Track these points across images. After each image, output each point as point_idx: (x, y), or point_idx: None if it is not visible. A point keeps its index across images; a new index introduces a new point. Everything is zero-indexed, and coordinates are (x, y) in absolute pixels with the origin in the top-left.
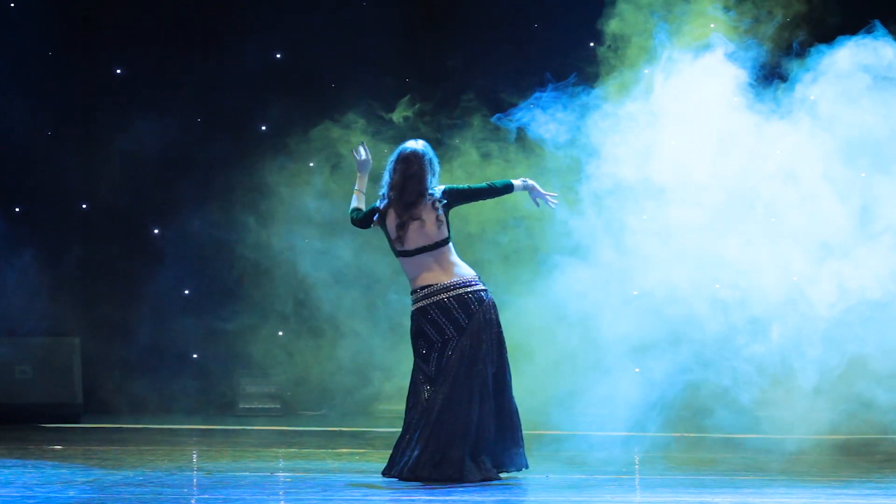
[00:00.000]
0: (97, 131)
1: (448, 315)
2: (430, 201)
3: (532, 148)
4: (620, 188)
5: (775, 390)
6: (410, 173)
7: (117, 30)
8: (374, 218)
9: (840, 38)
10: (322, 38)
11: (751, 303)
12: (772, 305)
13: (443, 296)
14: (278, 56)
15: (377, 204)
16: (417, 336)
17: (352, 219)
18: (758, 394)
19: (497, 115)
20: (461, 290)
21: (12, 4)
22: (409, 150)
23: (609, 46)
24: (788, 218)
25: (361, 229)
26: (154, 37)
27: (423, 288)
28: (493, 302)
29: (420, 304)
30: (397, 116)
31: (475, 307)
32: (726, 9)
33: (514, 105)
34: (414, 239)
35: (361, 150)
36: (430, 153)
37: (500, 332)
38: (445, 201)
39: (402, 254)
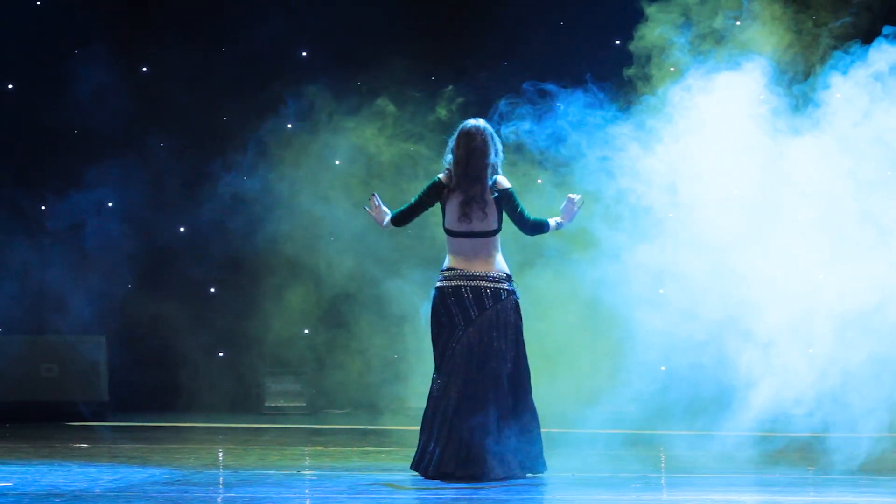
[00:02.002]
0: (121, 129)
1: (461, 303)
2: (492, 183)
3: (551, 157)
4: (644, 194)
5: (800, 388)
6: (473, 146)
7: (142, 28)
8: (438, 192)
9: (875, 41)
10: (346, 31)
11: (777, 302)
12: (796, 306)
13: (462, 283)
14: (304, 54)
15: (438, 177)
16: (432, 316)
17: (393, 221)
18: (783, 391)
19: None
20: (481, 283)
21: (38, 3)
22: (471, 126)
23: (638, 60)
24: (814, 224)
25: (404, 224)
26: (178, 34)
27: (448, 269)
28: (516, 304)
29: (440, 284)
30: (443, 111)
31: (489, 303)
32: (773, 17)
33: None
34: (473, 222)
35: (375, 201)
36: (492, 130)
37: (519, 335)
38: (497, 194)
39: (448, 232)
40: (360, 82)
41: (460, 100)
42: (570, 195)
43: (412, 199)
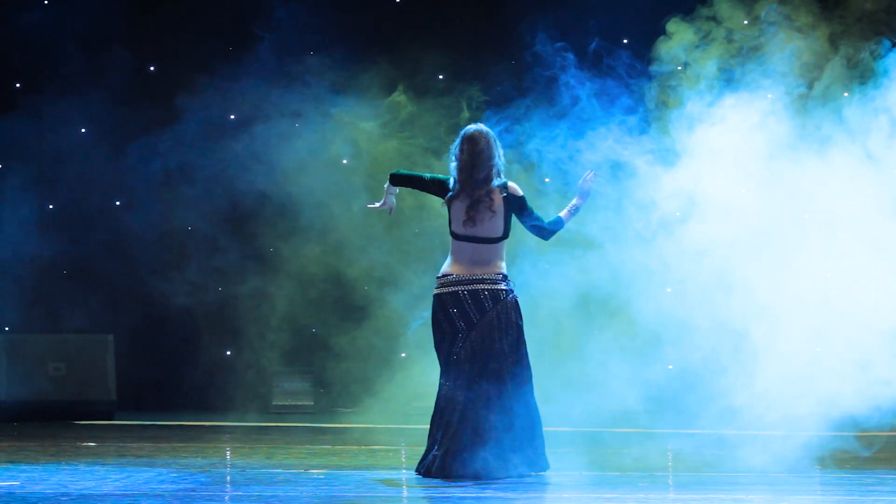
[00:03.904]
0: (129, 129)
1: (461, 308)
2: (499, 185)
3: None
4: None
5: (807, 388)
6: (478, 150)
7: (151, 28)
8: (443, 189)
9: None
10: (353, 37)
11: (784, 306)
12: (803, 308)
13: (459, 288)
14: (311, 53)
15: (448, 181)
16: (433, 324)
17: (393, 178)
18: (790, 391)
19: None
20: (478, 286)
21: (46, 2)
22: (472, 130)
23: (658, 74)
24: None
25: (399, 186)
26: (190, 36)
27: (445, 275)
28: (515, 302)
29: (437, 291)
30: (466, 113)
31: (489, 305)
32: (800, 29)
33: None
34: (477, 226)
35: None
36: (494, 134)
37: (520, 334)
38: (506, 194)
39: (454, 235)
40: (376, 76)
41: (485, 98)
42: (586, 173)
43: (423, 174)
